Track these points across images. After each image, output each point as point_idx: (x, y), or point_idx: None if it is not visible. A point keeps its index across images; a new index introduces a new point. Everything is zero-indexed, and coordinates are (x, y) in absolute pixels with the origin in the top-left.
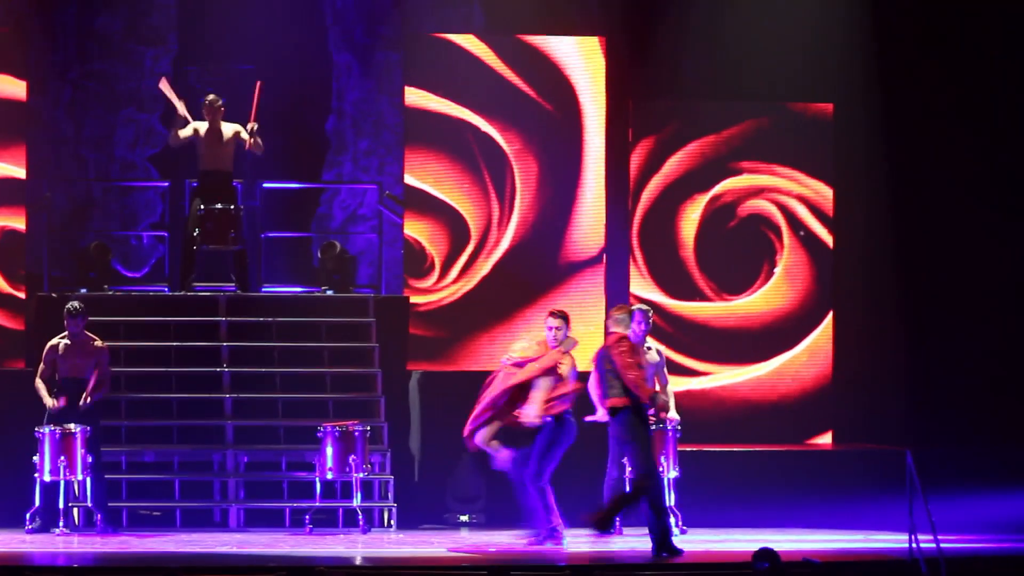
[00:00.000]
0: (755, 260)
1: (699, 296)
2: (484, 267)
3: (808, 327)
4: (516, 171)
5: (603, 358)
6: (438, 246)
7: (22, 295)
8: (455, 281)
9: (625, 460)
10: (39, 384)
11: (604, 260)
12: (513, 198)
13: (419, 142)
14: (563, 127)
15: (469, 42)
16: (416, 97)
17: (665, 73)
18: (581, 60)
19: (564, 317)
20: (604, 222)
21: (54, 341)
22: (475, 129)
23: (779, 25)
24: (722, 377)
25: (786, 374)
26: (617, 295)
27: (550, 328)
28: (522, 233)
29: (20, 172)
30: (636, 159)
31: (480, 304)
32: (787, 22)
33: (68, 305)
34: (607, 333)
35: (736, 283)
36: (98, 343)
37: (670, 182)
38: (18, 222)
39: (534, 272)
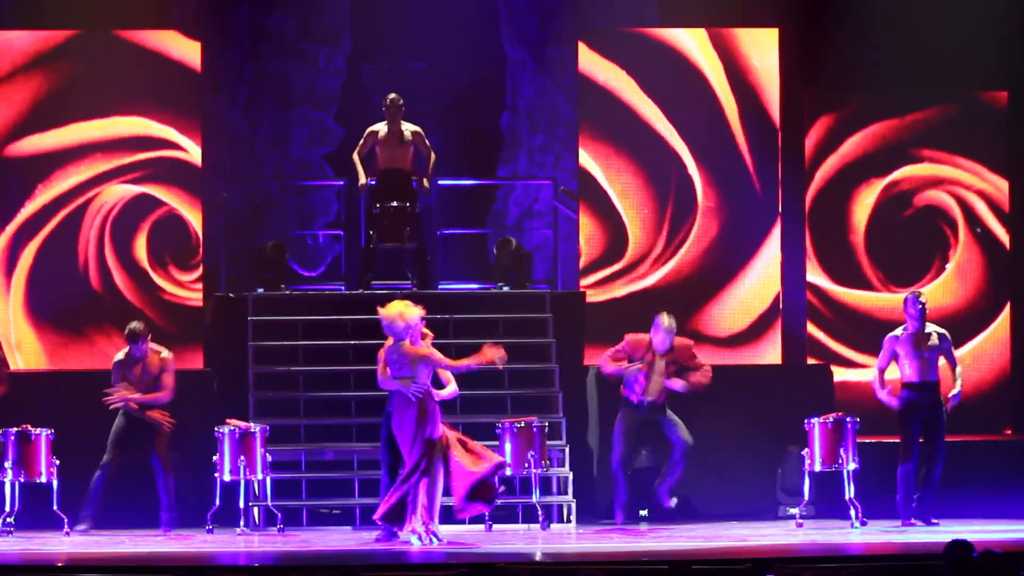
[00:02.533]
0: (927, 253)
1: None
2: (619, 290)
3: (974, 330)
4: (697, 223)
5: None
6: (591, 247)
7: (166, 285)
8: (588, 287)
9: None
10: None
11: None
12: (680, 246)
13: (615, 143)
14: (763, 191)
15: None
16: (591, 65)
17: (840, 65)
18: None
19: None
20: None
21: (120, 356)
22: (683, 168)
23: (951, 11)
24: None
25: (946, 375)
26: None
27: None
28: (669, 281)
29: (189, 145)
30: (813, 135)
31: (595, 320)
32: (960, 8)
33: (130, 327)
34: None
35: (905, 275)
36: (163, 355)
37: (846, 163)
38: (182, 206)
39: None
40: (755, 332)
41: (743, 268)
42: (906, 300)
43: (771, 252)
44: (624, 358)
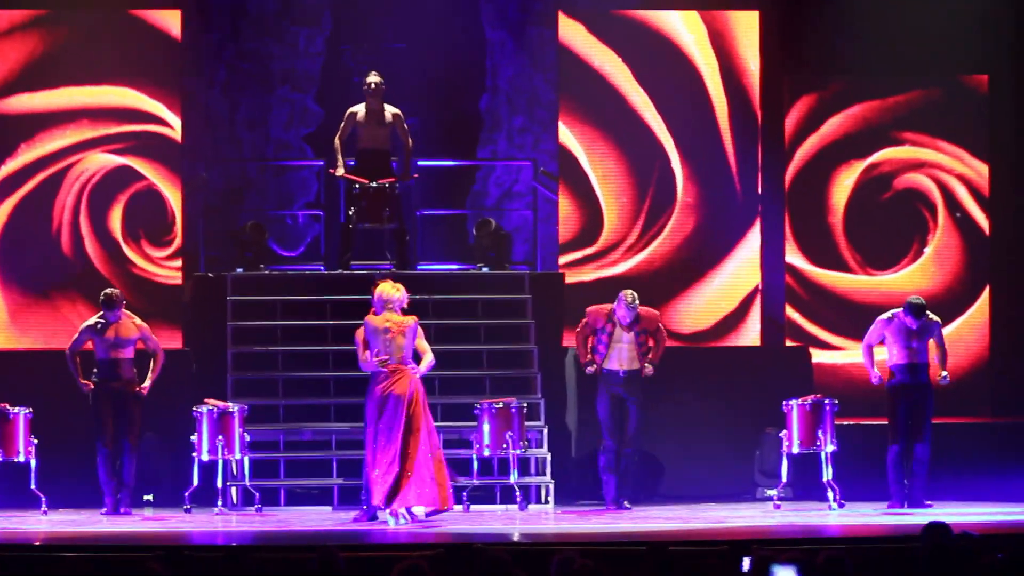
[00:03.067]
0: (906, 236)
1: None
2: (587, 275)
3: (952, 314)
4: (674, 217)
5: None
6: (566, 228)
7: (147, 266)
8: (559, 268)
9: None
10: (73, 359)
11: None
12: (654, 239)
13: (602, 127)
14: (743, 190)
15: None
16: (574, 38)
17: (822, 47)
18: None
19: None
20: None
21: (91, 321)
22: (666, 161)
23: None
24: (855, 354)
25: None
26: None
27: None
28: (639, 272)
29: (176, 122)
30: (794, 115)
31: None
32: None
33: (107, 292)
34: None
35: (883, 258)
36: (137, 321)
37: (827, 144)
38: (162, 182)
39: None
40: (718, 332)
41: (715, 267)
42: (906, 304)
43: (744, 254)
44: (590, 332)
